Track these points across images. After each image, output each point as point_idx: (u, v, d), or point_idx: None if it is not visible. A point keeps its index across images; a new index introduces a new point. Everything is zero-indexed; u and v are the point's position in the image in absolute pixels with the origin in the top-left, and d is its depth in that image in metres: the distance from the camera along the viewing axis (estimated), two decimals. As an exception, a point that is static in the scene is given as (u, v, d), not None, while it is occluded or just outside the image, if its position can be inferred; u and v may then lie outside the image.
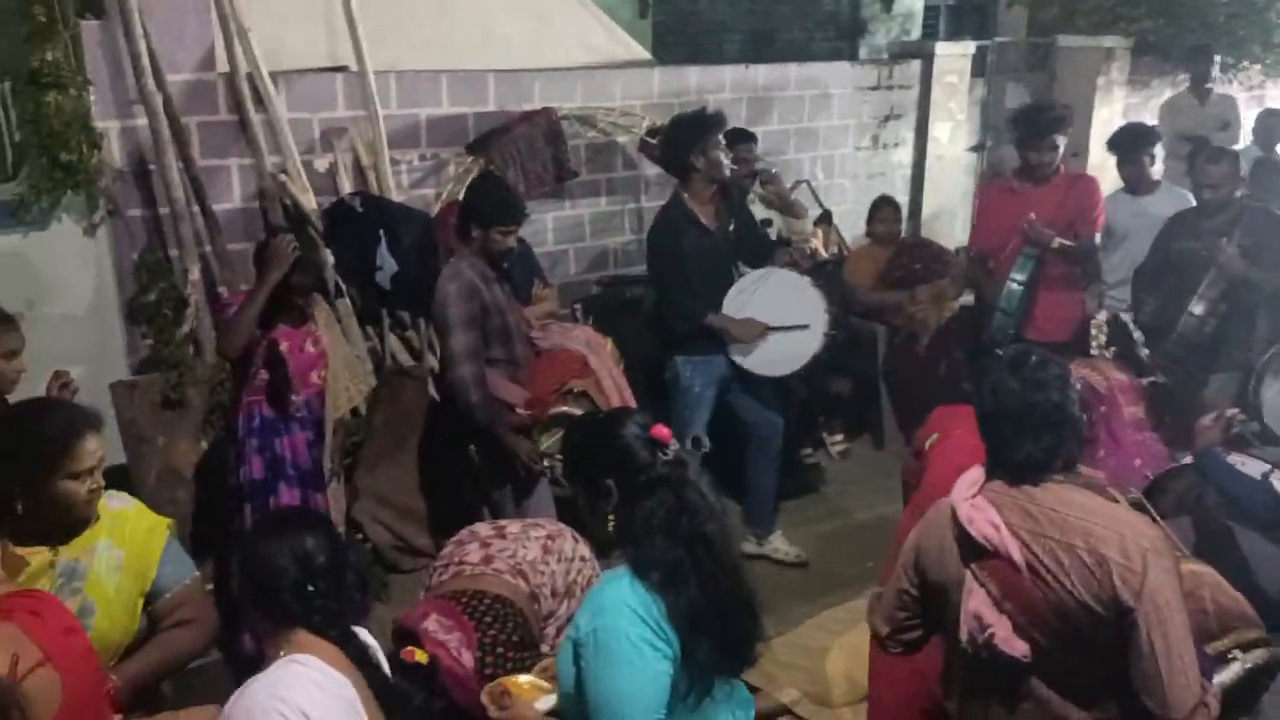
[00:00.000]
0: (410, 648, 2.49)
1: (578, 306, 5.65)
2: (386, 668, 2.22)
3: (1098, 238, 5.00)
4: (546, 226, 5.95)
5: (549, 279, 5.18)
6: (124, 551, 2.48)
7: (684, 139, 4.55)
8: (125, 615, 2.48)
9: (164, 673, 2.63)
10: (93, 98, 4.45)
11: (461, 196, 4.73)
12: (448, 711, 2.50)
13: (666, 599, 2.06)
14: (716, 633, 2.08)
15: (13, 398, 3.20)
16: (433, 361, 5.02)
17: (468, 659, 2.57)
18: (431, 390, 4.89)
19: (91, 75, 4.45)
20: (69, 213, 4.46)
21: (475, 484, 4.12)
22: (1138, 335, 3.66)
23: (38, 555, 2.38)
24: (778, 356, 4.63)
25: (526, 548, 2.92)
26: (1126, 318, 3.59)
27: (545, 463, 3.95)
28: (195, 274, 4.68)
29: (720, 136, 4.57)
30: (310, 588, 2.09)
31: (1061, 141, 4.89)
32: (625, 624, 2.03)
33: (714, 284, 4.64)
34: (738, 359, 4.63)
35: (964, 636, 2.22)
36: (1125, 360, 3.71)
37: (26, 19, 4.25)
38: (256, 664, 2.18)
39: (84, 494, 2.40)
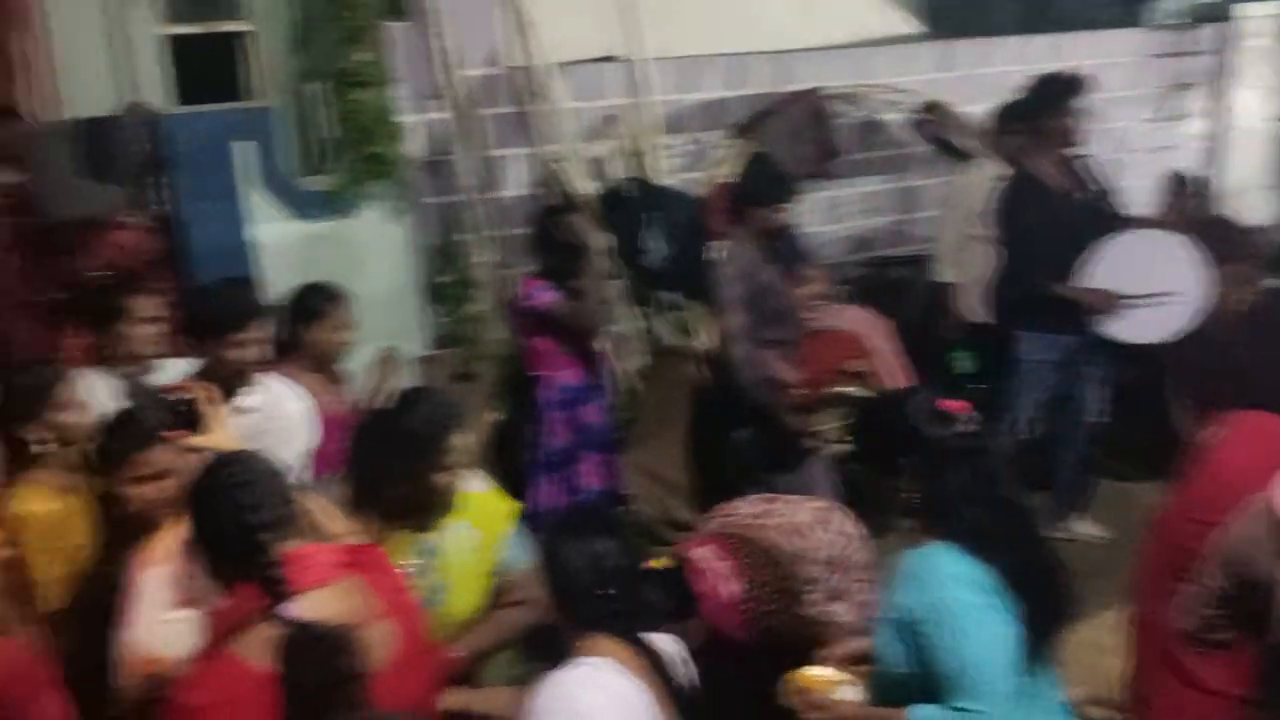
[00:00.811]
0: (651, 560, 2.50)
1: (844, 288, 5.60)
2: (693, 677, 2.20)
3: None
4: (812, 207, 5.92)
5: (815, 260, 5.17)
6: (481, 533, 2.61)
7: (1044, 102, 4.39)
8: (474, 593, 2.61)
9: (499, 648, 2.73)
10: (396, 95, 4.82)
11: (728, 180, 4.79)
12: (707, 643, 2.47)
13: (990, 565, 2.06)
14: (1038, 593, 2.07)
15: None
16: (701, 341, 5.13)
17: (734, 588, 2.57)
18: (699, 368, 4.99)
19: (394, 74, 4.82)
20: (376, 200, 4.85)
21: (742, 462, 4.20)
22: None
23: (400, 533, 2.53)
24: (1145, 320, 4.28)
25: (798, 515, 2.95)
26: None
27: (820, 441, 3.97)
28: (485, 257, 4.99)
29: (1079, 103, 4.37)
30: (602, 592, 2.09)
31: None
32: (963, 593, 2.04)
33: (1064, 252, 4.38)
34: (1101, 328, 4.37)
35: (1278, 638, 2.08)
36: None
37: (338, 25, 4.68)
38: (552, 631, 2.23)
39: (449, 485, 2.53)
